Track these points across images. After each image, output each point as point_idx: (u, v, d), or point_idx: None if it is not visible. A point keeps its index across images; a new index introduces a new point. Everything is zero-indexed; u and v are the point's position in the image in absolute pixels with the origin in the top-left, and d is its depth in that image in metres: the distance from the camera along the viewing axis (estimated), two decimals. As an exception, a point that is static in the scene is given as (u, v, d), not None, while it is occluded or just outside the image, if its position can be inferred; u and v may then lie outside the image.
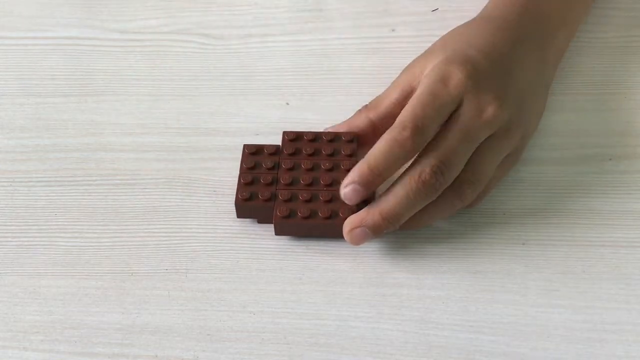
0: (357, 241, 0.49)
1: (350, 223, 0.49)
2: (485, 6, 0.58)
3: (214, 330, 0.47)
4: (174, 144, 0.57)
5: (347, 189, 0.48)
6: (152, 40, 0.65)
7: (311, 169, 0.52)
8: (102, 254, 0.51)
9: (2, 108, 0.60)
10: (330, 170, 0.52)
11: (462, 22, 0.56)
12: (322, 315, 0.48)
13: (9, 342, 0.47)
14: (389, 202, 0.48)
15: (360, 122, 0.53)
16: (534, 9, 0.56)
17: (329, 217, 0.50)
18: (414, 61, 0.54)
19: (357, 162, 0.52)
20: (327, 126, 0.55)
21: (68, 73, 0.62)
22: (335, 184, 0.51)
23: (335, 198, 0.50)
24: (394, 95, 0.53)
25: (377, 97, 0.54)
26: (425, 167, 0.47)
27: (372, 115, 0.53)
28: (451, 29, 0.56)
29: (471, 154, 0.49)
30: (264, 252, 0.51)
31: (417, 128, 0.47)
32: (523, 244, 0.51)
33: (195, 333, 0.47)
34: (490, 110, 0.49)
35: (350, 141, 0.53)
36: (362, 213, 0.49)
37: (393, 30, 0.64)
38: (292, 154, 0.53)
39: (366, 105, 0.54)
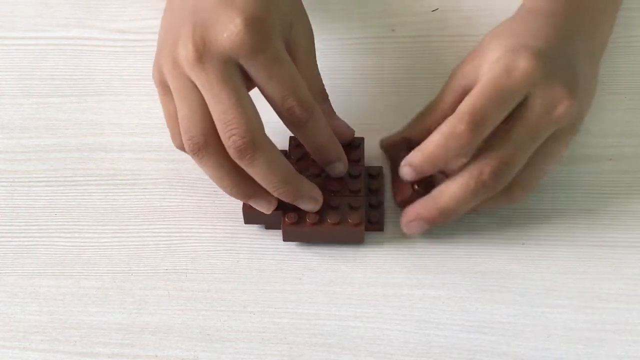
0: (414, 232, 0.49)
1: (407, 215, 0.49)
2: (523, 2, 0.55)
3: (214, 330, 0.47)
4: (174, 144, 0.57)
5: (403, 169, 0.48)
6: (152, 40, 0.65)
7: (318, 175, 0.51)
8: (101, 254, 0.51)
9: (2, 108, 0.60)
10: None
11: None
12: (322, 315, 0.48)
13: (9, 342, 0.47)
14: (445, 197, 0.47)
15: (417, 131, 0.51)
16: (576, 3, 0.53)
17: (337, 223, 0.49)
18: (463, 62, 0.51)
19: (363, 167, 0.52)
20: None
21: (68, 73, 0.62)
22: (343, 189, 0.51)
23: (343, 204, 0.50)
24: (449, 100, 0.50)
25: (429, 104, 0.52)
26: (485, 167, 0.46)
27: (429, 120, 0.51)
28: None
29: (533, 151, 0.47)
30: (264, 252, 0.51)
31: (475, 122, 0.45)
32: (523, 244, 0.51)
33: (195, 333, 0.47)
34: (562, 106, 0.47)
35: (357, 147, 0.52)
36: (419, 206, 0.48)
37: (393, 30, 0.64)
38: (299, 160, 0.52)
39: (418, 115, 0.52)
